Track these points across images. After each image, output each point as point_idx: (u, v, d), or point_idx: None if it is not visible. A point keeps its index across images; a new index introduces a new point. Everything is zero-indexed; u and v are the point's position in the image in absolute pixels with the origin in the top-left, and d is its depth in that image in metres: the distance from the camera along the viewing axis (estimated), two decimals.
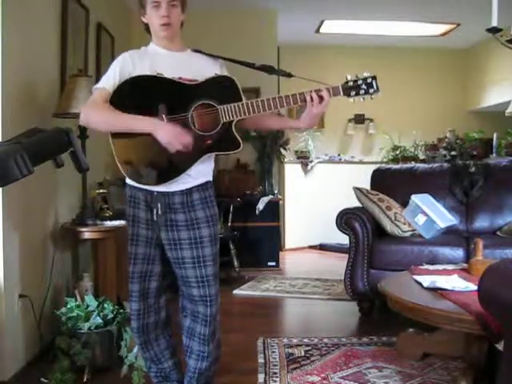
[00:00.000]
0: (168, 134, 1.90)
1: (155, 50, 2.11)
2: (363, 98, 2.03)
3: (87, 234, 3.20)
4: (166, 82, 2.00)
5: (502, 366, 1.64)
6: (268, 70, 2.14)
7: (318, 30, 6.89)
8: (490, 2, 2.70)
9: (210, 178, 2.15)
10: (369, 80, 2.02)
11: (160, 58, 2.07)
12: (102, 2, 4.47)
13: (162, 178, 2.01)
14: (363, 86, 2.01)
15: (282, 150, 6.02)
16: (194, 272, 2.08)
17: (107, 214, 3.53)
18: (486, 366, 2.29)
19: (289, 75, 2.13)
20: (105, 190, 3.79)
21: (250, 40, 5.85)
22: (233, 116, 1.98)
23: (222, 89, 2.03)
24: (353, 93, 2.01)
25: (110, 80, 2.01)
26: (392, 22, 6.57)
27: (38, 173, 1.82)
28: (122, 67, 2.03)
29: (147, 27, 2.12)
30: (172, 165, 2.00)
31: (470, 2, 5.44)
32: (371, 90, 2.02)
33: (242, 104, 1.98)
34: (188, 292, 2.12)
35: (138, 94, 2.00)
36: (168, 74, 2.01)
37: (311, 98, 1.98)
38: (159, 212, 2.05)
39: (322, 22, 6.58)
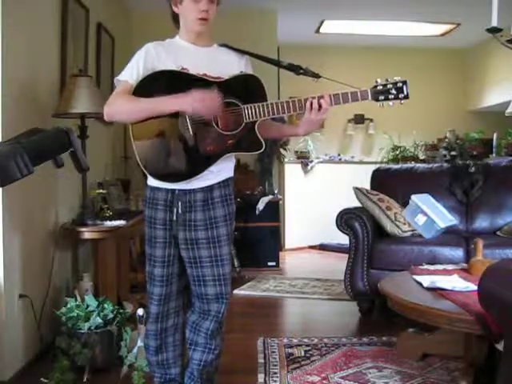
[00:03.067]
0: (198, 101, 1.86)
1: (181, 43, 2.07)
2: (392, 103, 1.99)
3: (87, 233, 3.20)
4: (190, 78, 1.97)
5: (502, 366, 1.64)
6: (295, 69, 2.09)
7: (317, 30, 6.89)
8: (490, 1, 2.70)
9: (231, 174, 2.13)
10: (399, 84, 1.98)
11: (185, 53, 2.04)
12: (102, 2, 4.47)
13: (184, 175, 1.99)
14: (393, 91, 1.97)
15: (282, 150, 6.02)
16: (211, 271, 2.06)
17: (107, 214, 3.53)
18: (486, 365, 2.29)
19: (317, 76, 2.08)
20: (105, 190, 3.80)
21: (250, 40, 5.81)
22: (256, 116, 1.94)
23: (246, 87, 2.00)
24: (381, 97, 1.97)
25: (134, 73, 1.98)
26: (392, 22, 6.57)
27: (38, 173, 1.82)
28: (146, 60, 1.99)
29: (175, 17, 2.08)
30: (193, 162, 1.98)
31: (470, 2, 5.44)
32: (401, 95, 1.97)
33: (267, 104, 1.94)
34: (201, 291, 2.09)
35: (162, 89, 1.95)
36: (192, 69, 1.98)
37: (311, 105, 1.95)
38: (179, 211, 2.03)
39: (322, 22, 6.58)
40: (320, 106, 1.95)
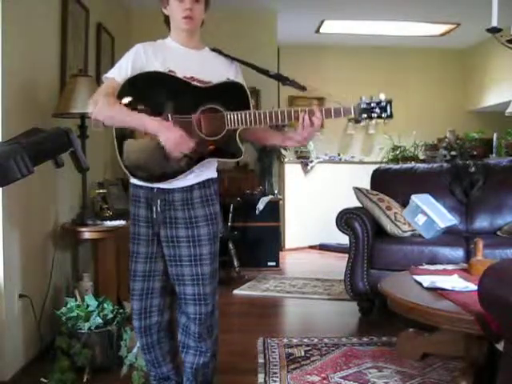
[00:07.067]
0: (172, 140, 1.89)
1: (171, 45, 2.09)
2: (375, 122, 2.01)
3: (87, 233, 3.20)
4: (177, 81, 1.99)
5: (502, 366, 1.64)
6: (282, 79, 2.11)
7: (317, 30, 6.89)
8: (489, 1, 2.70)
9: (214, 175, 2.14)
10: (383, 104, 1.99)
11: (175, 55, 2.05)
12: (102, 2, 4.48)
13: (163, 177, 2.01)
14: (376, 110, 1.98)
15: (282, 150, 6.02)
16: (190, 270, 2.07)
17: (107, 214, 3.53)
18: (486, 365, 2.29)
19: (303, 88, 2.09)
20: (105, 190, 3.80)
21: (250, 40, 5.85)
22: (238, 124, 1.96)
23: (231, 95, 2.02)
24: (364, 115, 1.99)
25: (122, 71, 2.00)
26: (392, 22, 6.57)
27: (38, 173, 1.82)
28: (135, 59, 2.01)
29: (167, 20, 2.10)
30: (173, 165, 1.99)
31: (470, 2, 5.44)
32: (384, 115, 1.99)
33: (249, 113, 1.96)
34: (180, 291, 2.11)
35: (148, 90, 1.98)
36: (180, 72, 2.00)
37: (303, 120, 1.96)
38: (158, 209, 2.05)
39: (321, 22, 6.58)
40: (312, 123, 1.96)
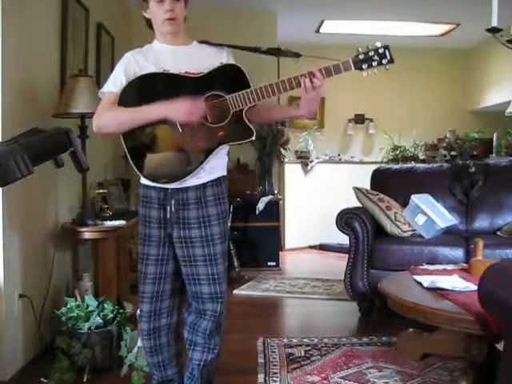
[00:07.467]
0: (182, 112, 1.90)
1: (159, 47, 2.09)
2: (377, 70, 1.94)
3: (87, 234, 3.20)
4: (172, 77, 1.99)
5: (502, 366, 1.64)
6: (275, 52, 2.12)
7: (317, 30, 6.89)
8: (489, 1, 2.70)
9: (224, 173, 2.14)
10: (381, 50, 1.94)
11: (164, 55, 2.06)
12: (102, 2, 4.47)
13: (178, 176, 2.01)
14: (375, 57, 1.93)
15: (282, 150, 6.02)
16: (205, 270, 2.07)
17: (107, 214, 3.53)
18: (486, 365, 2.29)
19: (297, 55, 2.08)
20: (105, 190, 3.80)
21: (250, 40, 5.78)
22: (242, 104, 1.95)
23: (229, 78, 2.01)
24: (365, 66, 1.94)
25: (117, 82, 2.01)
26: (392, 21, 6.57)
27: (38, 173, 1.82)
28: (127, 67, 2.02)
29: (149, 23, 2.09)
30: (186, 161, 1.99)
31: (470, 2, 5.44)
32: (384, 61, 1.94)
33: (251, 91, 1.95)
34: (196, 290, 2.10)
35: (146, 93, 1.99)
36: (174, 70, 2.00)
37: (304, 84, 1.93)
38: (173, 209, 2.04)
39: (322, 22, 6.58)
40: (313, 85, 1.94)
